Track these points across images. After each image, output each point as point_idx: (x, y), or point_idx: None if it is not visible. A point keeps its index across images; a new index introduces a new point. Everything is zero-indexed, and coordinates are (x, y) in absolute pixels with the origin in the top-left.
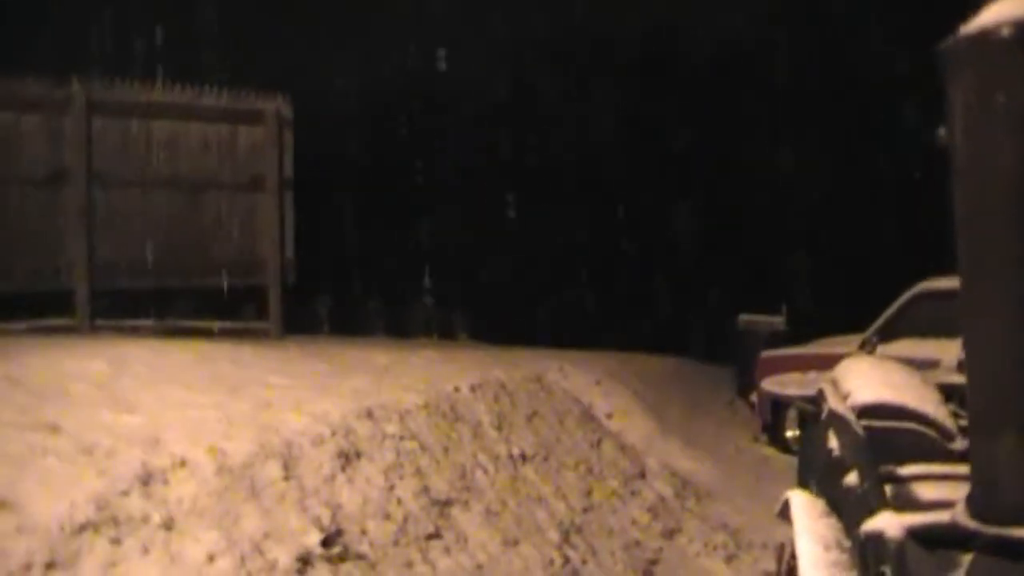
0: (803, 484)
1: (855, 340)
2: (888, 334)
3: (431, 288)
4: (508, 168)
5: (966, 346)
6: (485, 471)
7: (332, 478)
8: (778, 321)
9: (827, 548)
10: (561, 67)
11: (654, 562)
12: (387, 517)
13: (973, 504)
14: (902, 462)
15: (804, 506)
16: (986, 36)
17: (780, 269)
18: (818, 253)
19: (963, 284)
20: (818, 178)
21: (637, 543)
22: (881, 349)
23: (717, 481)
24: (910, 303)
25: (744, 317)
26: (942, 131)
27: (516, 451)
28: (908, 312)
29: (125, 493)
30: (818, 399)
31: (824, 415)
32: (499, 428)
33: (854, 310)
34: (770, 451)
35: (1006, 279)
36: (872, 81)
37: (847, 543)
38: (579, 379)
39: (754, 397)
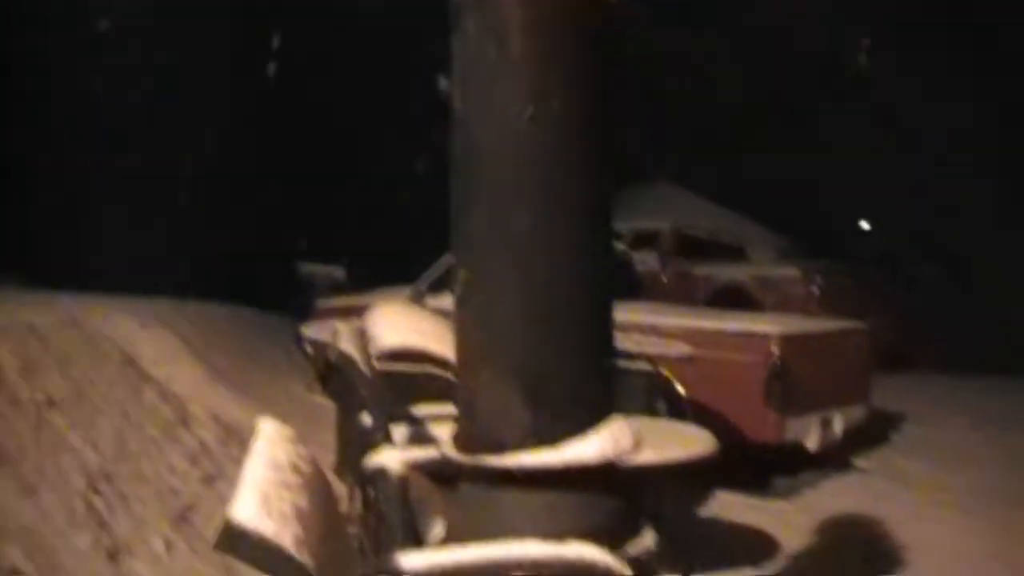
0: (341, 430)
1: (407, 291)
2: (437, 286)
3: None
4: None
5: (454, 285)
6: (3, 417)
7: None
8: (338, 272)
9: (275, 469)
10: None
11: (190, 508)
12: None
13: (458, 437)
14: (421, 402)
15: (269, 432)
16: None
17: (345, 221)
18: (382, 206)
19: (453, 225)
20: (386, 134)
21: (173, 490)
22: (430, 300)
23: None
24: None
25: (305, 267)
26: (444, 81)
27: (42, 397)
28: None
29: None
30: (333, 342)
31: (336, 357)
32: (24, 373)
33: (416, 263)
34: (323, 400)
35: (489, 220)
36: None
37: (307, 469)
38: (125, 324)
39: (309, 346)
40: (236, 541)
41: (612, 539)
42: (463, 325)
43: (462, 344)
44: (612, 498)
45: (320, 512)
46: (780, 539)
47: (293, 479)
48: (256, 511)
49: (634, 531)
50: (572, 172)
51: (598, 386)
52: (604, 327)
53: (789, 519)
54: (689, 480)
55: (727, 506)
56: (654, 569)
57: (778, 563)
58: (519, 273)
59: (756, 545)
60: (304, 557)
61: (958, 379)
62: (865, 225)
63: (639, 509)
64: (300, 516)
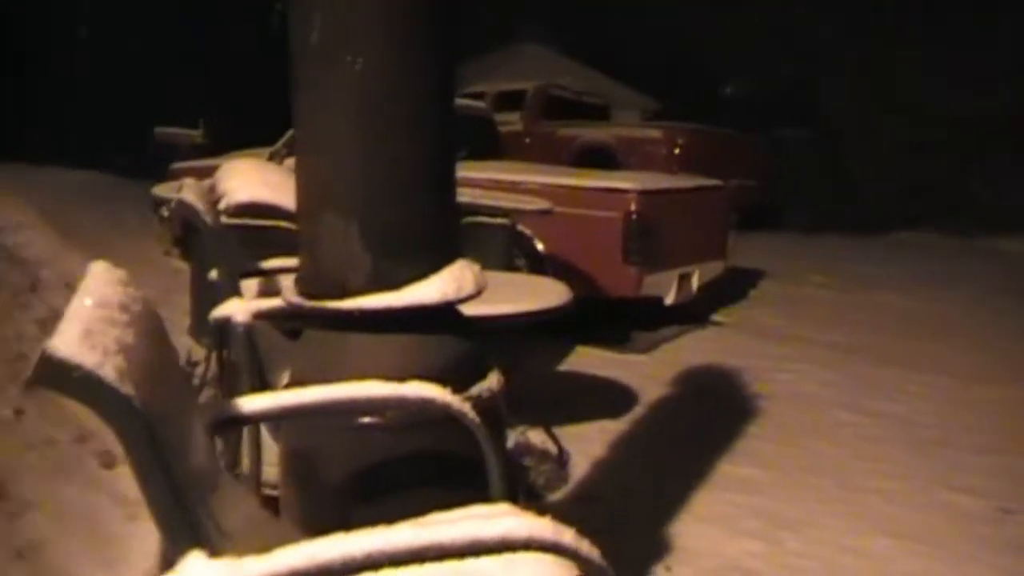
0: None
1: (267, 152)
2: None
3: None
4: None
5: (296, 134)
6: None
7: None
8: (196, 134)
9: (101, 306)
10: None
11: None
12: None
13: (301, 283)
14: (272, 256)
15: (99, 272)
16: None
17: (202, 84)
18: (234, 66)
19: (292, 68)
20: None
21: (22, 356)
22: (288, 162)
23: None
24: None
25: (160, 130)
26: None
27: None
28: None
29: None
30: (178, 200)
31: (176, 205)
32: None
33: (276, 126)
34: (181, 264)
35: (328, 63)
36: None
37: (136, 308)
38: None
39: (165, 210)
40: (53, 373)
41: (456, 381)
42: (304, 170)
43: (303, 190)
44: (457, 342)
45: (148, 349)
46: (638, 391)
47: (120, 317)
48: (76, 344)
49: (481, 376)
50: (415, 12)
51: (442, 230)
52: (447, 172)
53: (648, 372)
54: (542, 330)
55: (587, 360)
56: (496, 408)
57: (636, 414)
58: (359, 116)
59: (615, 397)
60: (126, 388)
61: (819, 240)
62: (729, 90)
63: (486, 355)
64: (124, 351)
